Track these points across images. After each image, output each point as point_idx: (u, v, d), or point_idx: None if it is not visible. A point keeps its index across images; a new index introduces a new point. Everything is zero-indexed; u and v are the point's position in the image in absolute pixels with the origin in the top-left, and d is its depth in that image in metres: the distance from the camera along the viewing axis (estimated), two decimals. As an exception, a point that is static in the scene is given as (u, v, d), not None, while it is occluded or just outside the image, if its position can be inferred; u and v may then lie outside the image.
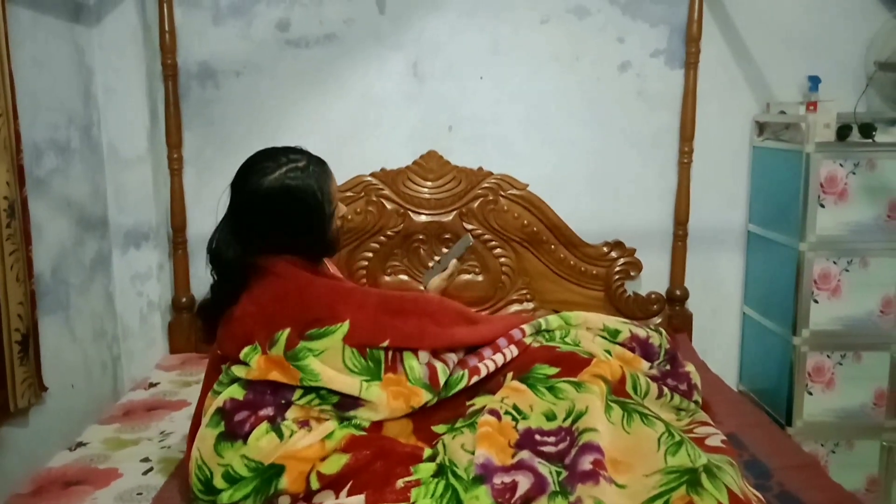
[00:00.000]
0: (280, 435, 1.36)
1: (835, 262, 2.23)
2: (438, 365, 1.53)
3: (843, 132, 2.22)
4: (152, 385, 2.18)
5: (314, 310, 1.46)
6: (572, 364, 1.58)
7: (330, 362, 1.41)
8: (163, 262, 2.46)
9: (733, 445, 1.58)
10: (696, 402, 1.73)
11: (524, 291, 2.51)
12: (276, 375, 1.39)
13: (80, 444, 1.80)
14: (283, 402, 1.40)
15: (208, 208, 2.47)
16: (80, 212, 2.17)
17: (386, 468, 1.37)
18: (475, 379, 1.56)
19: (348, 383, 1.42)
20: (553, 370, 1.57)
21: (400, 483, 1.34)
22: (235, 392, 1.38)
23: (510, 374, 1.57)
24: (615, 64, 2.48)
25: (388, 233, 2.45)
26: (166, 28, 2.31)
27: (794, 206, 2.24)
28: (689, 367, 1.79)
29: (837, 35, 2.45)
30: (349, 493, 1.33)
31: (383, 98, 2.48)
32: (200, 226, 2.47)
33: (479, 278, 2.49)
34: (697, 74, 2.38)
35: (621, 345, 1.75)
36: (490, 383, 1.57)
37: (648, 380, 1.64)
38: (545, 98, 2.49)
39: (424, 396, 1.48)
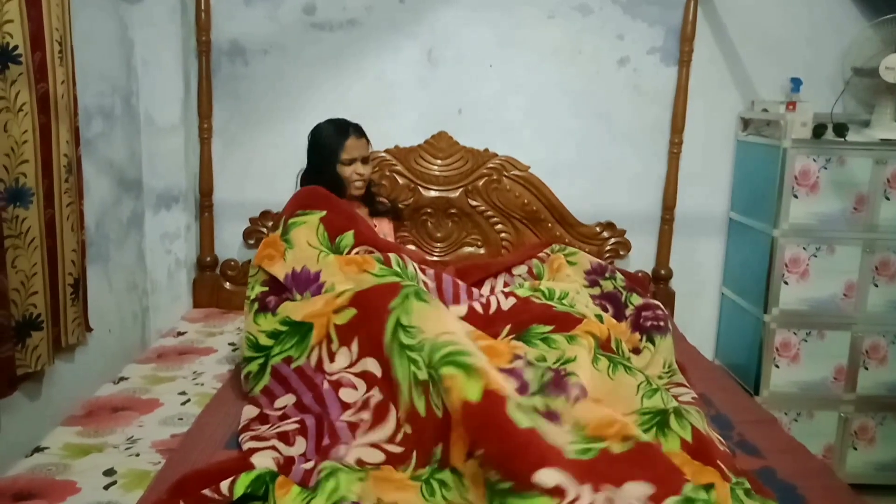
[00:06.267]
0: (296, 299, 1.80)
1: (804, 249, 2.45)
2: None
3: (818, 130, 2.43)
4: (180, 334, 2.39)
5: (305, 204, 2.00)
6: (566, 322, 1.80)
7: (306, 233, 1.91)
8: (190, 224, 2.65)
9: (702, 402, 1.80)
10: (670, 369, 1.96)
11: (522, 265, 2.73)
12: (267, 263, 1.88)
13: (122, 379, 2.01)
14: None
15: (232, 175, 2.71)
16: (119, 173, 2.37)
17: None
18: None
19: (309, 254, 1.86)
20: (548, 328, 1.79)
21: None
22: (260, 290, 1.86)
23: (508, 327, 1.78)
24: (614, 59, 2.68)
25: (399, 206, 2.65)
26: (202, 7, 2.50)
27: (771, 195, 2.46)
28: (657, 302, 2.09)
29: (820, 41, 2.66)
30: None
31: (399, 81, 2.68)
32: (225, 191, 2.69)
33: (481, 251, 2.71)
34: (689, 72, 2.59)
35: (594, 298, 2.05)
36: (480, 324, 1.78)
37: (627, 349, 1.87)
38: (548, 87, 2.69)
39: (376, 264, 1.82)
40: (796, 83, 2.59)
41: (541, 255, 2.31)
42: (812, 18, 2.66)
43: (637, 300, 2.10)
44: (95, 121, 2.20)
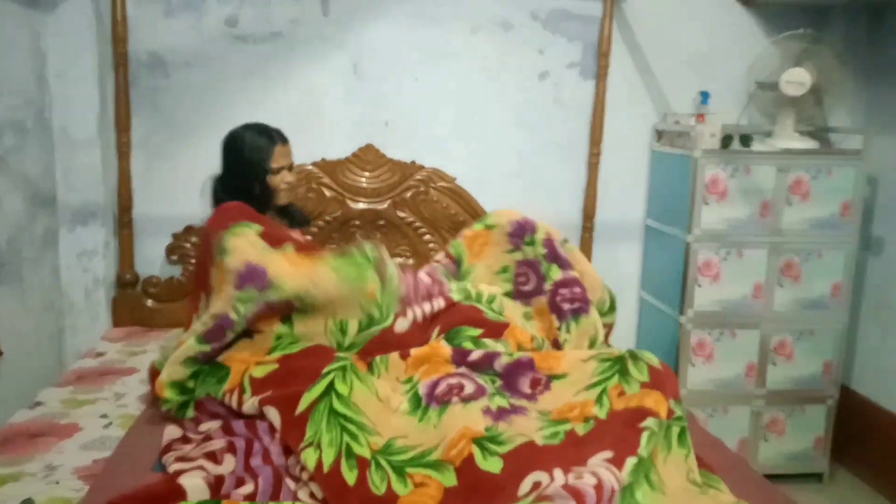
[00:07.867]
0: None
1: (716, 253, 2.59)
2: None
3: (725, 141, 2.58)
4: (100, 354, 2.30)
5: (237, 217, 1.85)
6: (495, 328, 1.84)
7: (244, 237, 1.75)
8: (108, 241, 2.57)
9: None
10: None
11: (450, 275, 2.76)
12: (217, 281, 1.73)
13: (39, 404, 1.91)
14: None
15: (154, 190, 2.64)
16: (33, 189, 2.28)
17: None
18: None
19: (250, 250, 1.71)
20: (477, 331, 1.83)
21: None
22: (199, 349, 1.70)
23: (438, 328, 1.81)
24: (536, 73, 2.77)
25: (327, 218, 2.65)
26: (119, 18, 2.44)
27: (684, 203, 2.58)
28: (576, 274, 2.05)
29: (727, 56, 2.81)
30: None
31: (325, 94, 2.68)
32: (146, 206, 2.62)
33: (410, 262, 2.73)
34: (606, 85, 2.69)
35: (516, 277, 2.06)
36: (418, 333, 1.81)
37: (549, 346, 1.93)
38: (473, 100, 2.75)
39: (325, 255, 1.81)
40: (705, 96, 2.73)
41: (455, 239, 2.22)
42: (720, 35, 2.81)
43: (556, 273, 2.01)
44: (6, 135, 2.11)
